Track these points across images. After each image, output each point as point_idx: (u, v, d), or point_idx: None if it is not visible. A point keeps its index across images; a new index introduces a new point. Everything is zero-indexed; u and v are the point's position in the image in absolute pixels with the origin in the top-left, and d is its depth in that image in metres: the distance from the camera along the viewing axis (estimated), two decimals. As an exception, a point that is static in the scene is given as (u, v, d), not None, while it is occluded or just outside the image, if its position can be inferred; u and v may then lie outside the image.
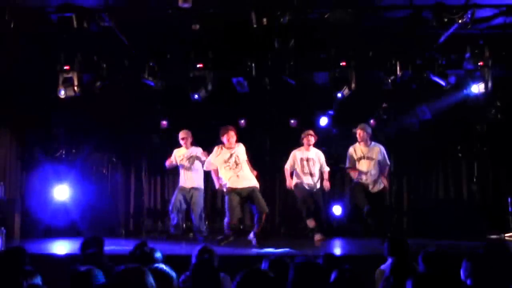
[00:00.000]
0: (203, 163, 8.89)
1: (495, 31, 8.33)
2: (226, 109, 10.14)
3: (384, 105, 10.18)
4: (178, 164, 9.15)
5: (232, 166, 8.42)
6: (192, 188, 9.05)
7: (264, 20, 7.06)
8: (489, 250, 4.36)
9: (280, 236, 10.27)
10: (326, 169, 8.93)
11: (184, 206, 9.05)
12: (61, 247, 8.45)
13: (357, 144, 8.76)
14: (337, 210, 10.13)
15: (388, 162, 8.81)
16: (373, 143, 8.79)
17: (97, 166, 10.76)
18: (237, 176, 8.40)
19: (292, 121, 10.39)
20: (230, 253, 7.42)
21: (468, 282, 3.89)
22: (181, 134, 9.14)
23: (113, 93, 9.38)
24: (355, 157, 8.71)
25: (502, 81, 9.04)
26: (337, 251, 8.12)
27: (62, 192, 10.24)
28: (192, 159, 9.05)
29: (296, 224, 10.05)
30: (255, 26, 7.13)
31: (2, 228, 8.50)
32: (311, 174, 8.83)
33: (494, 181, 10.56)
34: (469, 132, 10.51)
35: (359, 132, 8.70)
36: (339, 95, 9.14)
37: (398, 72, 8.67)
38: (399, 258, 4.53)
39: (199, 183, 9.14)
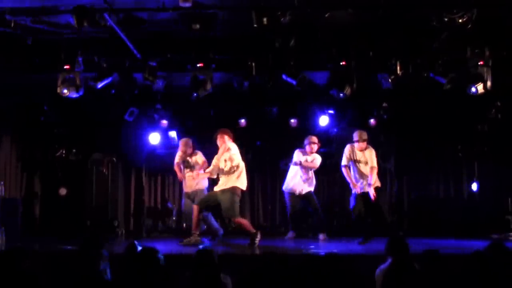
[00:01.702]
0: None
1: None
2: (226, 109, 10.13)
3: (385, 104, 10.15)
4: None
5: None
6: None
7: (265, 19, 7.03)
8: (491, 250, 4.37)
9: (281, 235, 10.23)
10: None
11: None
12: (61, 246, 8.42)
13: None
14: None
15: None
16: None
17: (97, 165, 10.72)
18: None
19: (292, 121, 10.37)
20: (230, 253, 7.41)
21: (470, 281, 3.90)
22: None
23: (114, 93, 9.36)
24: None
25: (502, 81, 9.00)
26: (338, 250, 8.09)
27: (63, 192, 10.26)
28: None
29: (299, 223, 9.97)
30: (255, 25, 7.11)
31: (2, 227, 8.52)
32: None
33: (495, 181, 10.55)
34: (469, 132, 10.49)
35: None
36: (341, 95, 9.09)
37: (398, 72, 8.63)
38: (399, 258, 4.53)
39: None
